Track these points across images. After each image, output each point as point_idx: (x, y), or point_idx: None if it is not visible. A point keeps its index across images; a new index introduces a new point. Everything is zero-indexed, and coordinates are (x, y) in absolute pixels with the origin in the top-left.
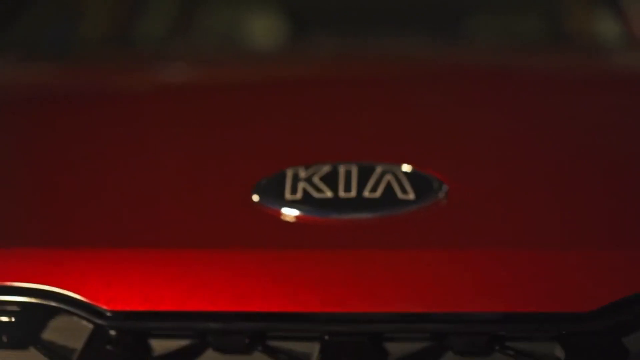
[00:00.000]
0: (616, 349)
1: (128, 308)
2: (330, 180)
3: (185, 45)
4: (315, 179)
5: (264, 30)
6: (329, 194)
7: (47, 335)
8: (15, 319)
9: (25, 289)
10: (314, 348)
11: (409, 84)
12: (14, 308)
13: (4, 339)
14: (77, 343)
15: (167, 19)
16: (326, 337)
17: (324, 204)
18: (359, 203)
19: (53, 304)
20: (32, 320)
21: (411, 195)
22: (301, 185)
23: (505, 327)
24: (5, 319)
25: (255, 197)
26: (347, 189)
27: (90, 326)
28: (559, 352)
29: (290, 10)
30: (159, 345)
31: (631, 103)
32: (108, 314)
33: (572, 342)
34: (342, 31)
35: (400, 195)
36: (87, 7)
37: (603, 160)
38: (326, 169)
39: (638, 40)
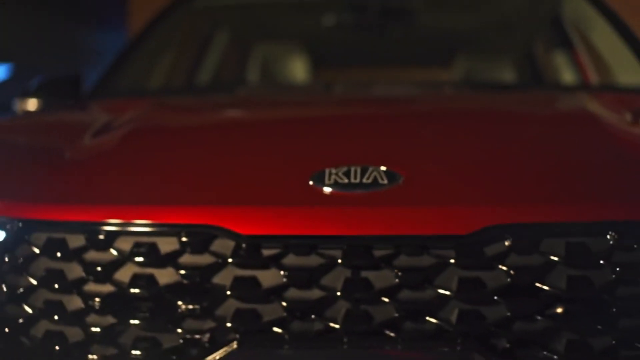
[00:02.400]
0: (481, 256)
1: (257, 233)
2: (347, 174)
3: (244, 86)
4: (340, 173)
5: (296, 71)
6: (345, 180)
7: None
8: (195, 240)
9: (196, 225)
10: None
11: (390, 118)
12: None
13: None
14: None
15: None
16: (345, 247)
17: (343, 185)
18: (360, 185)
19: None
20: (200, 243)
21: (385, 181)
22: (332, 177)
23: (413, 242)
24: (174, 246)
25: (311, 182)
26: (355, 178)
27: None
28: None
29: (313, 58)
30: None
31: (555, 129)
32: (244, 236)
33: (459, 252)
34: (351, 65)
35: (380, 181)
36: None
37: (500, 158)
38: (344, 168)
39: (588, 85)
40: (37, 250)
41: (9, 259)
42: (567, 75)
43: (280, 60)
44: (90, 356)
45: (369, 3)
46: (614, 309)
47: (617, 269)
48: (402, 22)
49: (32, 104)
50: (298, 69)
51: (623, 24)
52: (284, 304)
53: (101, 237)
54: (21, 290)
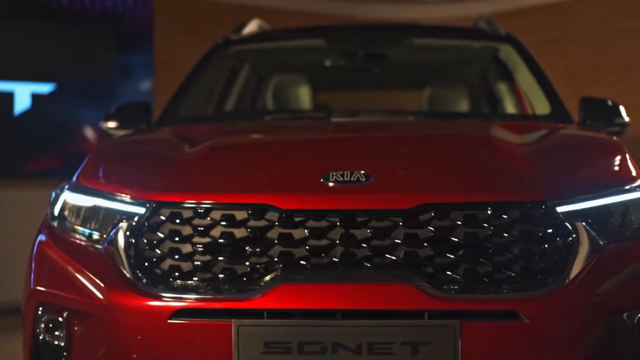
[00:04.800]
0: (417, 220)
1: (291, 208)
2: (342, 175)
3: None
4: (338, 174)
5: (300, 95)
6: (341, 179)
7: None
8: (256, 212)
9: (257, 204)
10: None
11: (368, 139)
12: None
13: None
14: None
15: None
16: (341, 216)
17: (340, 182)
18: (349, 182)
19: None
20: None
21: (364, 179)
22: (334, 176)
23: (379, 213)
24: (244, 216)
25: (321, 180)
26: (346, 177)
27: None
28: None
29: (313, 85)
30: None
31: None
32: (284, 210)
33: (405, 218)
34: (341, 91)
35: (360, 179)
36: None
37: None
38: (340, 171)
39: (525, 114)
40: (163, 218)
41: (147, 223)
42: (508, 102)
43: (289, 88)
44: (194, 278)
45: (357, 50)
46: (490, 250)
47: (492, 228)
48: (381, 62)
49: (112, 124)
50: (301, 94)
51: (538, 67)
52: (307, 247)
53: (201, 211)
54: (154, 241)
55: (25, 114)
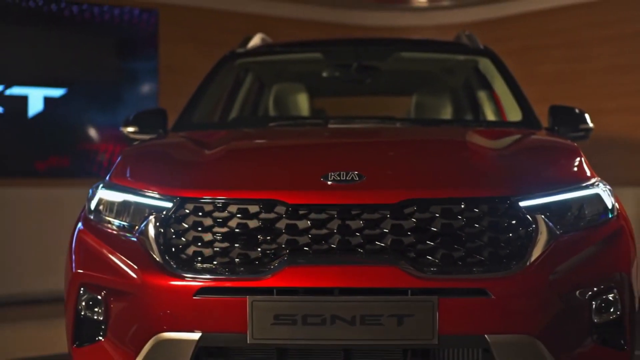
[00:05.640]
0: (401, 213)
1: (296, 202)
2: (339, 175)
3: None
4: (335, 174)
5: (298, 101)
6: (338, 178)
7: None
8: (266, 206)
9: (267, 199)
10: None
11: (360, 143)
12: (259, 206)
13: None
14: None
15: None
16: (338, 210)
17: (337, 181)
18: (345, 180)
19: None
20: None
21: (357, 179)
22: (331, 176)
23: (369, 207)
24: (256, 209)
25: (321, 179)
26: (342, 177)
27: (284, 208)
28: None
29: (310, 92)
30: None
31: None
32: (290, 204)
33: (391, 211)
34: (336, 97)
35: (354, 179)
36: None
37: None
38: (337, 172)
39: (499, 121)
40: (187, 211)
41: (174, 216)
42: (487, 108)
43: (288, 95)
44: (215, 262)
45: (351, 62)
46: (463, 238)
47: (465, 220)
48: (372, 73)
49: (131, 129)
50: (300, 100)
51: (512, 78)
52: (309, 236)
53: (220, 205)
54: (180, 231)
55: (38, 116)
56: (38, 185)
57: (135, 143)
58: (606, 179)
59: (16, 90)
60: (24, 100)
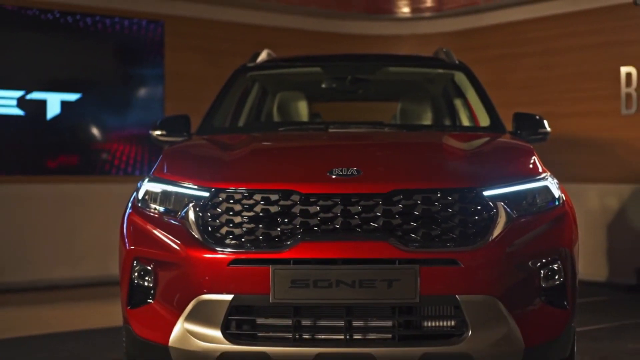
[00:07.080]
0: (391, 201)
1: (308, 192)
2: (342, 170)
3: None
4: (338, 170)
5: (298, 107)
6: (341, 173)
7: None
8: (284, 195)
9: (285, 189)
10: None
11: (357, 144)
12: (278, 195)
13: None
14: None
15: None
16: (340, 198)
17: (340, 175)
18: (346, 175)
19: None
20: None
21: (356, 174)
22: (336, 171)
23: (365, 195)
24: (276, 197)
25: (327, 174)
26: (344, 172)
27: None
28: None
29: (309, 99)
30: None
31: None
32: (303, 194)
33: (383, 199)
34: (332, 102)
35: (353, 174)
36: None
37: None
38: (340, 168)
39: (475, 126)
40: (221, 199)
41: (209, 203)
42: (463, 114)
43: (290, 102)
44: (243, 239)
45: (346, 76)
46: (439, 220)
47: (440, 206)
48: (364, 85)
49: (159, 133)
50: (300, 107)
51: (482, 89)
52: (318, 219)
53: (247, 194)
54: (215, 215)
55: (56, 118)
56: (53, 182)
57: (173, 145)
58: (571, 176)
59: (36, 95)
60: (43, 104)
